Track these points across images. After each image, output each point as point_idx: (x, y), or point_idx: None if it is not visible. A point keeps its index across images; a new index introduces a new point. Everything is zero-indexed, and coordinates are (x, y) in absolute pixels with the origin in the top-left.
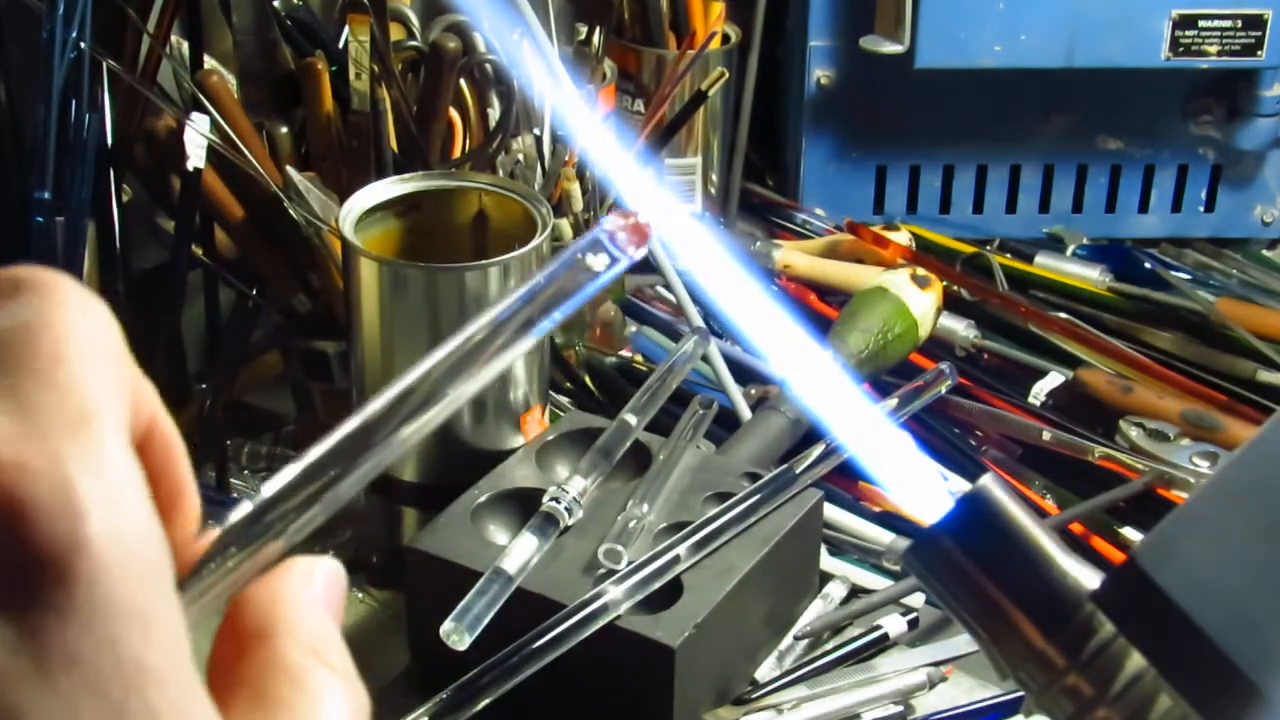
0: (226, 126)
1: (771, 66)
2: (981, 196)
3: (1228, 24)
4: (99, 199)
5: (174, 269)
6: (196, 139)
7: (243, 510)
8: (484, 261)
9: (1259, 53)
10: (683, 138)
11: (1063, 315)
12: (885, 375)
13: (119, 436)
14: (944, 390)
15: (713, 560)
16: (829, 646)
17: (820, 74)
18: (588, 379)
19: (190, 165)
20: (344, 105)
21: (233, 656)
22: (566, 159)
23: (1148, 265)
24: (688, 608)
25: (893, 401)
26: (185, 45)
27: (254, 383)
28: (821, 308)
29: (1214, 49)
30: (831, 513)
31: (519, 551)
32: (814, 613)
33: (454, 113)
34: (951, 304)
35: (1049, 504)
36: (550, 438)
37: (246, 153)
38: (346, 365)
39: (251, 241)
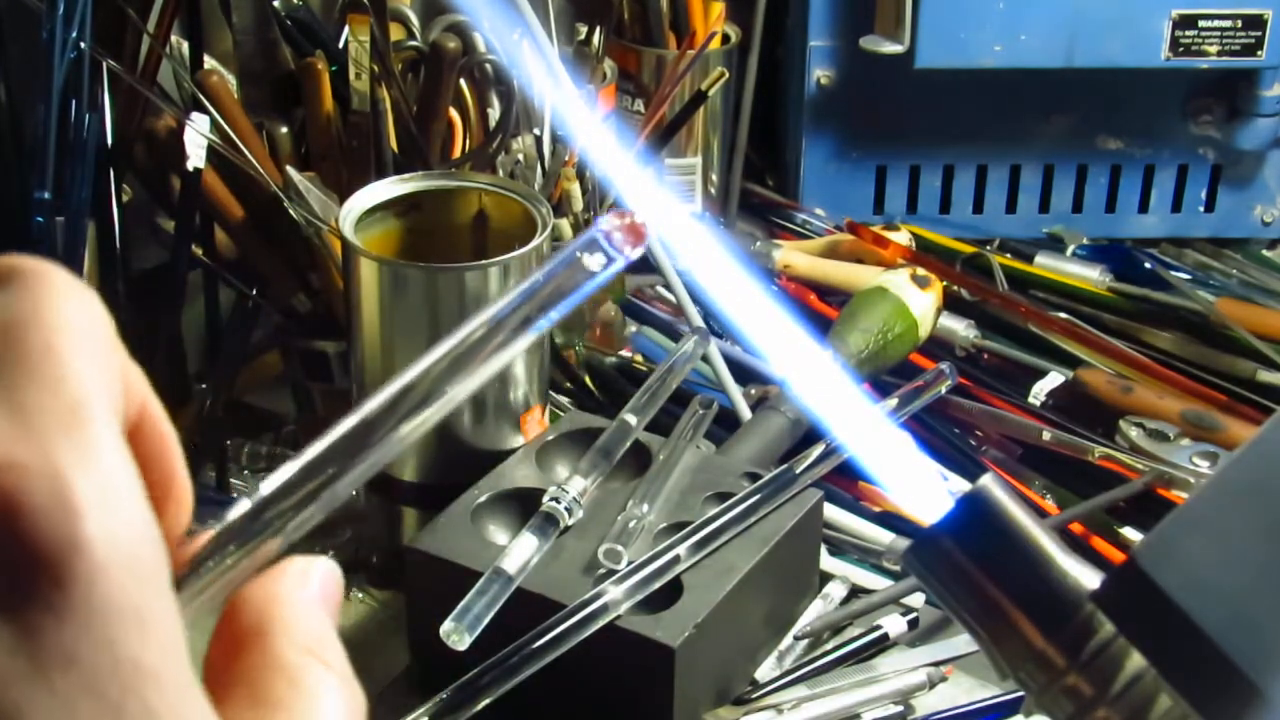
0: (226, 126)
1: (771, 66)
2: (981, 196)
3: (1228, 24)
4: (99, 199)
5: (174, 269)
6: (196, 139)
7: (241, 508)
8: (484, 261)
9: (1259, 53)
10: (683, 138)
11: (1063, 315)
12: (885, 375)
13: (112, 431)
14: (944, 390)
15: (713, 560)
16: (829, 646)
17: (820, 74)
18: (588, 379)
19: (190, 165)
20: (344, 105)
21: (229, 656)
22: (566, 159)
23: (1148, 265)
24: (688, 608)
25: (893, 401)
26: (185, 45)
27: (254, 383)
28: (821, 308)
29: (1214, 49)
30: (831, 513)
31: (519, 551)
32: (814, 613)
33: (454, 113)
34: (951, 304)
35: (1049, 504)
36: (550, 438)
37: (246, 153)
38: (346, 365)
39: (251, 241)
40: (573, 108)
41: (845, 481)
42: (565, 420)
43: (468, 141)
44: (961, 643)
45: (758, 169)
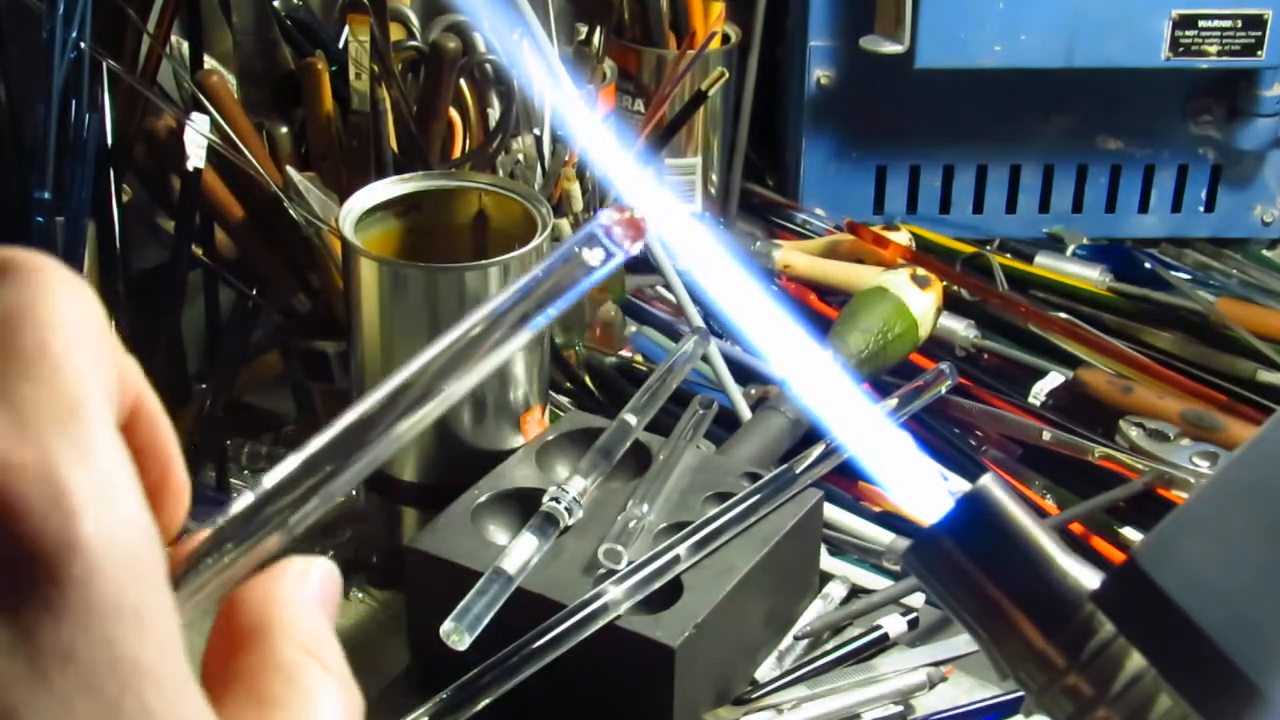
0: (226, 126)
1: (771, 66)
2: (981, 196)
3: (1228, 24)
4: (99, 199)
5: (174, 269)
6: (196, 139)
7: (238, 506)
8: (484, 261)
9: (1259, 53)
10: (683, 138)
11: (1063, 315)
12: (885, 375)
13: (108, 427)
14: (944, 390)
15: (713, 560)
16: (829, 646)
17: (820, 74)
18: (588, 379)
19: (190, 165)
20: (344, 105)
21: (226, 654)
22: (566, 159)
23: (1148, 265)
24: (688, 608)
25: (893, 401)
26: (185, 45)
27: (254, 383)
28: (821, 308)
29: (1214, 49)
30: (831, 513)
31: (519, 551)
32: (814, 613)
33: (454, 113)
34: (951, 304)
35: (1049, 504)
36: (550, 438)
37: (246, 153)
38: (346, 365)
39: (251, 241)
40: (573, 108)
41: (845, 481)
42: (565, 420)
43: (468, 141)
44: (961, 643)
45: (758, 169)
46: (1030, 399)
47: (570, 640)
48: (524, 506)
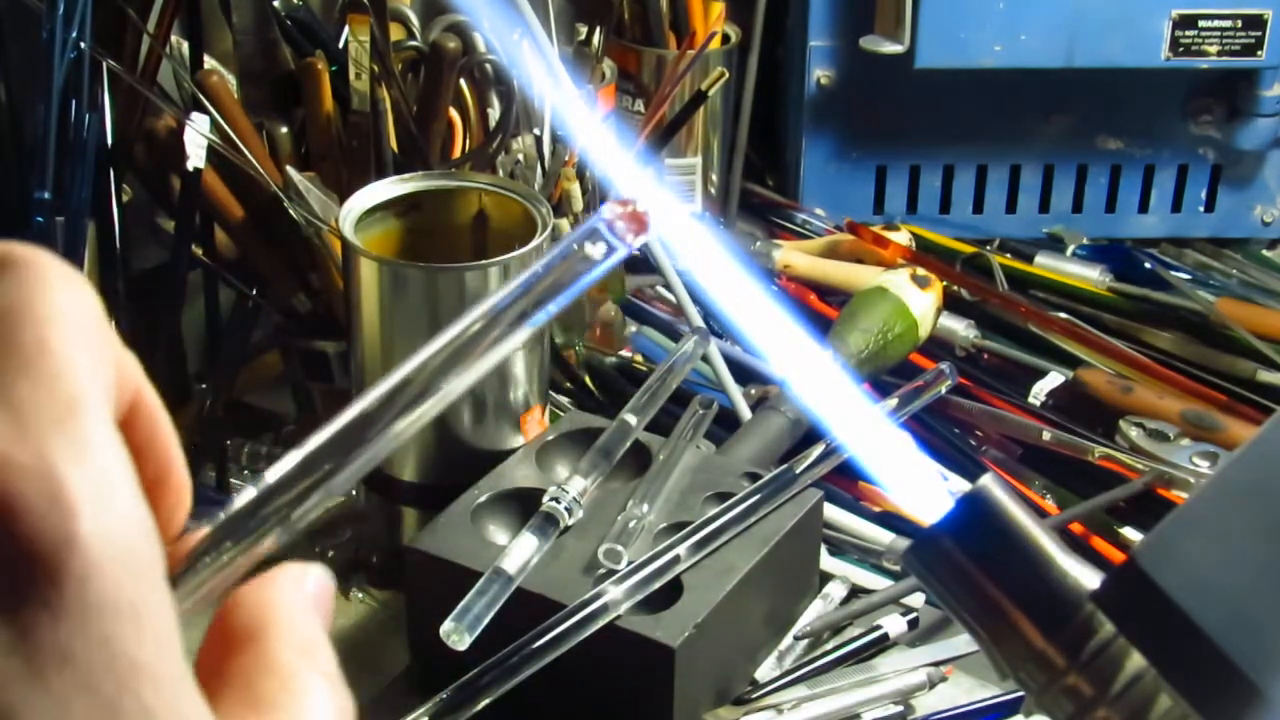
0: (226, 126)
1: (771, 66)
2: (981, 196)
3: (1228, 24)
4: (99, 199)
5: (174, 269)
6: (196, 139)
7: (237, 503)
8: (484, 261)
9: (1259, 53)
10: (683, 138)
11: (1063, 315)
12: (885, 375)
13: (106, 424)
14: (944, 390)
15: (713, 560)
16: (829, 646)
17: (820, 74)
18: (588, 379)
19: (190, 165)
20: (344, 105)
21: (222, 655)
22: (566, 159)
23: (1148, 265)
24: (688, 608)
25: (893, 401)
26: (185, 45)
27: (254, 383)
28: (821, 308)
29: (1214, 49)
30: (831, 513)
31: (519, 551)
32: (814, 613)
33: (454, 113)
34: (951, 304)
35: (1049, 504)
36: (550, 438)
37: (246, 153)
38: (346, 365)
39: (251, 241)
40: (573, 108)
41: (845, 481)
42: (565, 420)
43: (468, 141)
44: (961, 643)
45: (758, 169)
46: (1030, 399)
47: (570, 640)
48: (524, 506)
